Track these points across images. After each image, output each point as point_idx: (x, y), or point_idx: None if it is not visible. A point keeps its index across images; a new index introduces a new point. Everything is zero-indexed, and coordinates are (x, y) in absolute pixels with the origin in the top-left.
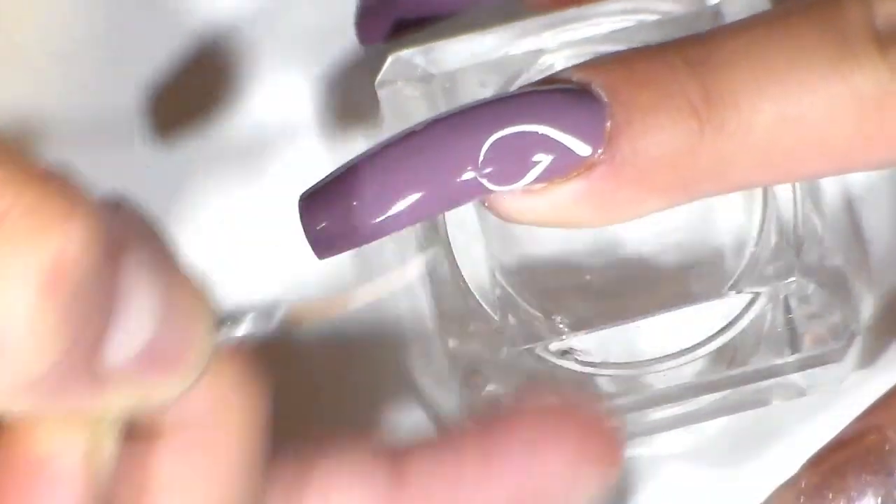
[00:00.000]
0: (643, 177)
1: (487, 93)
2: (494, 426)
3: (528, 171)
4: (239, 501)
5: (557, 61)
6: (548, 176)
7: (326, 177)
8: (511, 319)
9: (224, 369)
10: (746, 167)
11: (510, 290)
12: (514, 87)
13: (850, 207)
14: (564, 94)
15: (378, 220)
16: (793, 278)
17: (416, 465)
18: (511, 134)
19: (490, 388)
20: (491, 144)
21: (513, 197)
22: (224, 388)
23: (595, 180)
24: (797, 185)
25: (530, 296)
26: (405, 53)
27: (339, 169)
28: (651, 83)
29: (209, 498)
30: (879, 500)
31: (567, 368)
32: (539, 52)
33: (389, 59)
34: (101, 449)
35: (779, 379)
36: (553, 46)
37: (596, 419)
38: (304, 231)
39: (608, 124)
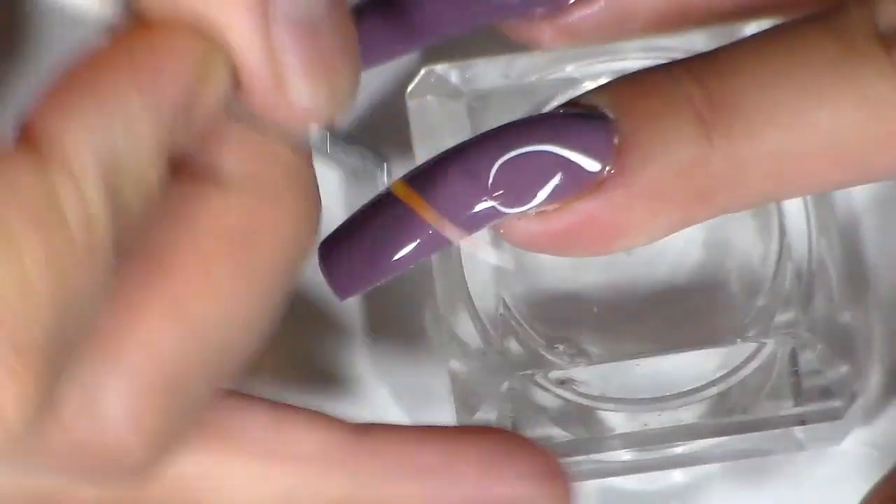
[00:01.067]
0: (656, 189)
1: (514, 117)
2: (458, 432)
3: (538, 191)
4: (264, 310)
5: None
6: (559, 195)
7: (344, 223)
8: (513, 343)
9: (303, 166)
10: (760, 175)
11: (516, 314)
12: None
13: (861, 265)
14: (572, 116)
15: (396, 256)
16: (800, 331)
17: (380, 440)
18: (518, 155)
19: (479, 414)
20: (499, 167)
21: (527, 221)
22: (295, 182)
23: (607, 196)
24: (814, 238)
25: (535, 322)
26: (439, 68)
27: (356, 213)
28: (655, 93)
29: (248, 271)
30: None
31: (564, 398)
32: (570, 82)
33: (422, 72)
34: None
35: (778, 431)
36: (585, 76)
37: (552, 456)
38: (324, 275)
39: (616, 139)
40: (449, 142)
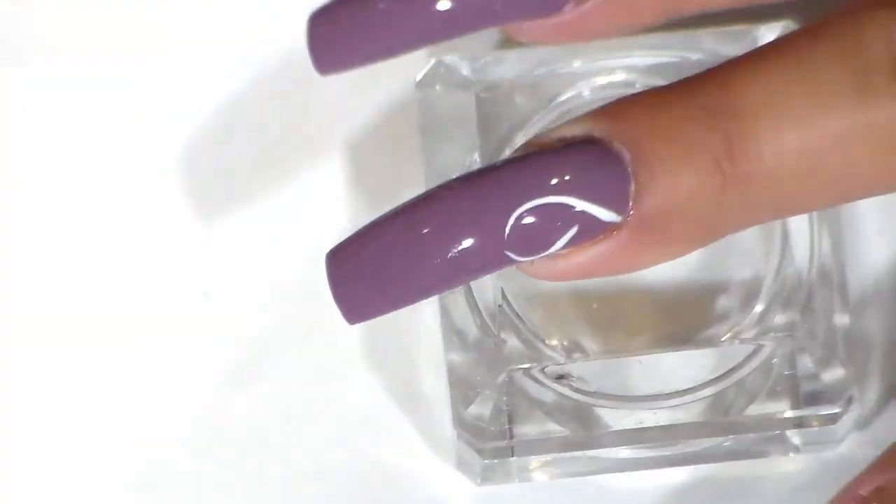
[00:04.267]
0: (669, 235)
1: (522, 110)
2: None
3: (554, 242)
4: None
5: (592, 90)
6: (574, 244)
7: (352, 236)
8: (511, 337)
9: None
10: (769, 211)
11: (515, 307)
12: (548, 110)
13: (862, 274)
14: (586, 156)
15: (404, 291)
16: (798, 334)
17: None
18: (535, 206)
19: (474, 407)
20: (516, 216)
21: (542, 263)
22: None
23: (621, 243)
24: (816, 244)
25: (534, 316)
26: (449, 59)
27: (363, 229)
28: (672, 137)
29: None
30: None
31: (560, 393)
32: (580, 76)
33: (432, 62)
34: None
35: (774, 433)
36: (593, 71)
37: None
38: (333, 295)
39: (632, 187)
40: (456, 133)
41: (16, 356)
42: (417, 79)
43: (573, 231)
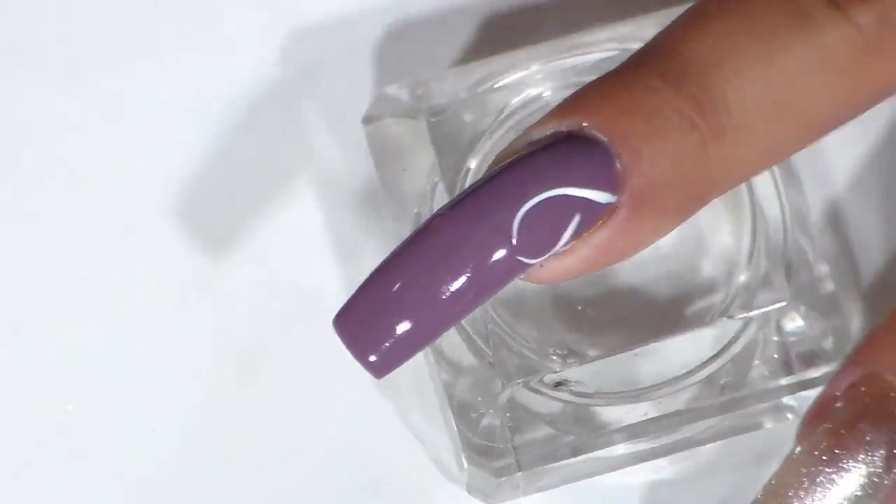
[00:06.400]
0: (662, 203)
1: (474, 126)
2: None
3: (560, 235)
4: None
5: (544, 92)
6: (580, 233)
7: (356, 293)
8: (504, 353)
9: None
10: (750, 161)
11: (503, 323)
12: (499, 121)
13: (838, 229)
14: (563, 148)
15: (422, 324)
16: (783, 303)
17: None
18: (535, 205)
19: (485, 422)
20: (519, 221)
21: (549, 264)
22: None
23: (620, 223)
24: (786, 209)
25: (523, 329)
26: (391, 89)
27: (366, 282)
28: (641, 111)
29: None
30: (890, 451)
31: (562, 400)
32: (526, 84)
33: (375, 95)
34: None
35: (772, 402)
36: (540, 77)
37: None
38: (354, 356)
39: (618, 165)
40: (414, 160)
41: (15, 355)
42: (363, 114)
43: (577, 220)
